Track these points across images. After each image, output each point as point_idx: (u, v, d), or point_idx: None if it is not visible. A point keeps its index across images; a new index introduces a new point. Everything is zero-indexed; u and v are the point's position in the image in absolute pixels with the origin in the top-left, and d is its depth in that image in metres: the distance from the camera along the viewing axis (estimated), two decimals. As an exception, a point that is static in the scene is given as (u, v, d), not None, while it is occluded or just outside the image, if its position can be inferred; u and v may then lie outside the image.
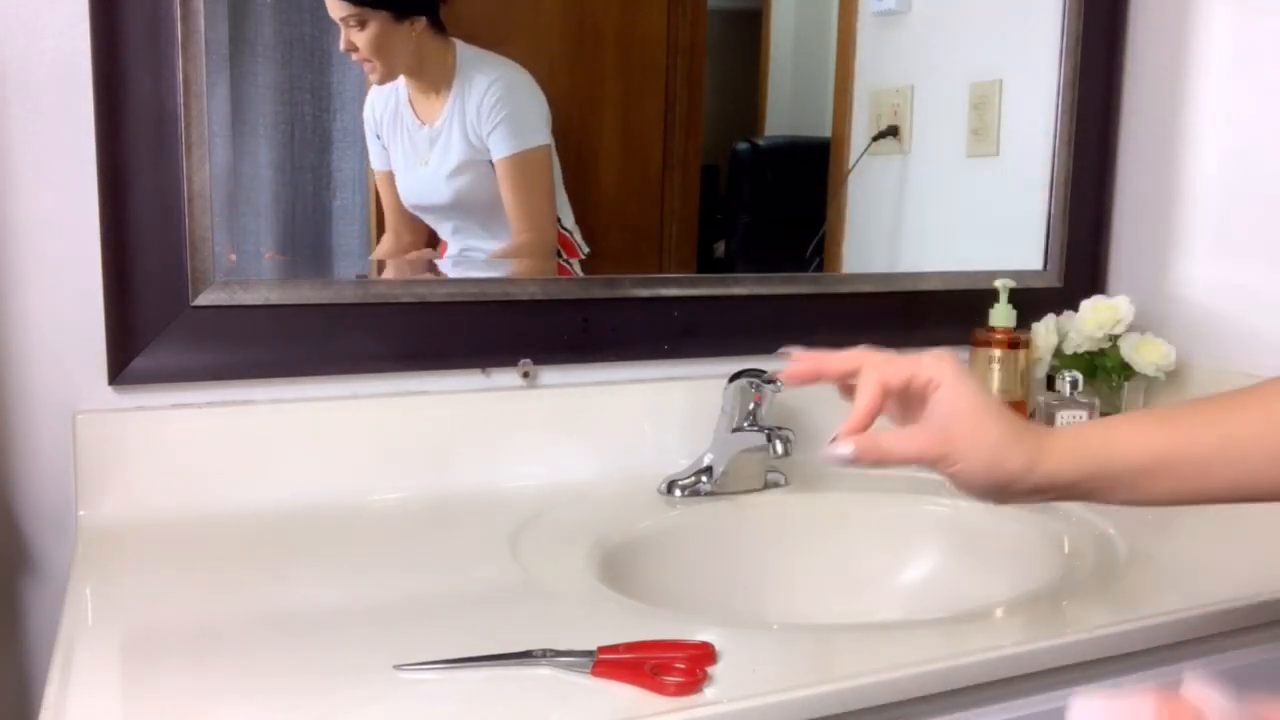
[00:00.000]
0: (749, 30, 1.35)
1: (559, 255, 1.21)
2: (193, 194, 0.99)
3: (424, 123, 1.14)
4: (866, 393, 0.68)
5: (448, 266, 1.18)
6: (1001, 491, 0.69)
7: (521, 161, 1.17)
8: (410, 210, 1.15)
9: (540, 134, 1.18)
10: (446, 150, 1.15)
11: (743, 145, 1.36)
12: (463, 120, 1.15)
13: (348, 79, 1.10)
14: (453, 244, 1.18)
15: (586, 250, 1.22)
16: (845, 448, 0.67)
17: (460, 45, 1.15)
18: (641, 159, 1.25)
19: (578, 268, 1.22)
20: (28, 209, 0.97)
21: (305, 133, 1.08)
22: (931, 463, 0.68)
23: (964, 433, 0.67)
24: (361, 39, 1.08)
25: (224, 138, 1.03)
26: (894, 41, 1.39)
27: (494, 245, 1.19)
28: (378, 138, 1.13)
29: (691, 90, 1.26)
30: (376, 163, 1.13)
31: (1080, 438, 0.70)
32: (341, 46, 1.08)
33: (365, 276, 1.13)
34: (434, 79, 1.15)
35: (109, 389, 1.00)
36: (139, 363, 1.00)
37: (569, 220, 1.21)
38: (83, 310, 0.99)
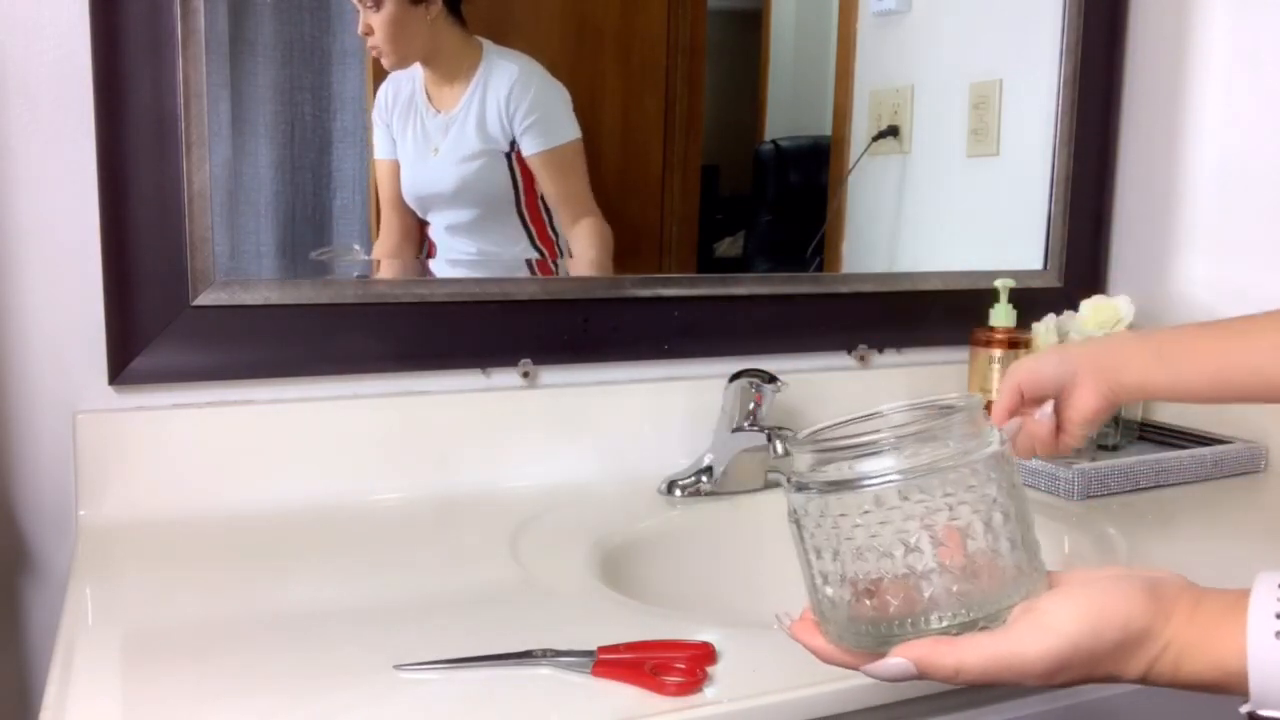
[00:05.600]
0: (749, 30, 1.35)
1: (543, 255, 1.21)
2: (193, 194, 0.99)
3: (439, 110, 1.15)
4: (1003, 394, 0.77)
5: (437, 268, 1.18)
6: None
7: (556, 155, 1.19)
8: (411, 203, 1.16)
9: (571, 129, 1.19)
10: (460, 138, 1.16)
11: (765, 145, 1.36)
12: (481, 111, 1.15)
13: (348, 79, 1.10)
14: (441, 245, 1.18)
15: (570, 254, 1.22)
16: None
17: (486, 42, 1.16)
18: (641, 159, 1.25)
19: (564, 268, 1.22)
20: (28, 209, 0.97)
21: (305, 133, 1.08)
22: None
23: None
24: (377, 20, 1.09)
25: (224, 138, 1.03)
26: (894, 41, 1.39)
27: (485, 249, 1.20)
28: (387, 126, 1.14)
29: (691, 90, 1.26)
30: (380, 151, 1.13)
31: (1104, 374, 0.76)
32: (359, 30, 1.09)
33: (365, 276, 1.13)
34: (452, 69, 1.15)
35: (109, 389, 1.00)
36: (139, 363, 1.00)
37: (559, 222, 1.21)
38: (83, 310, 0.99)
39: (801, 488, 0.52)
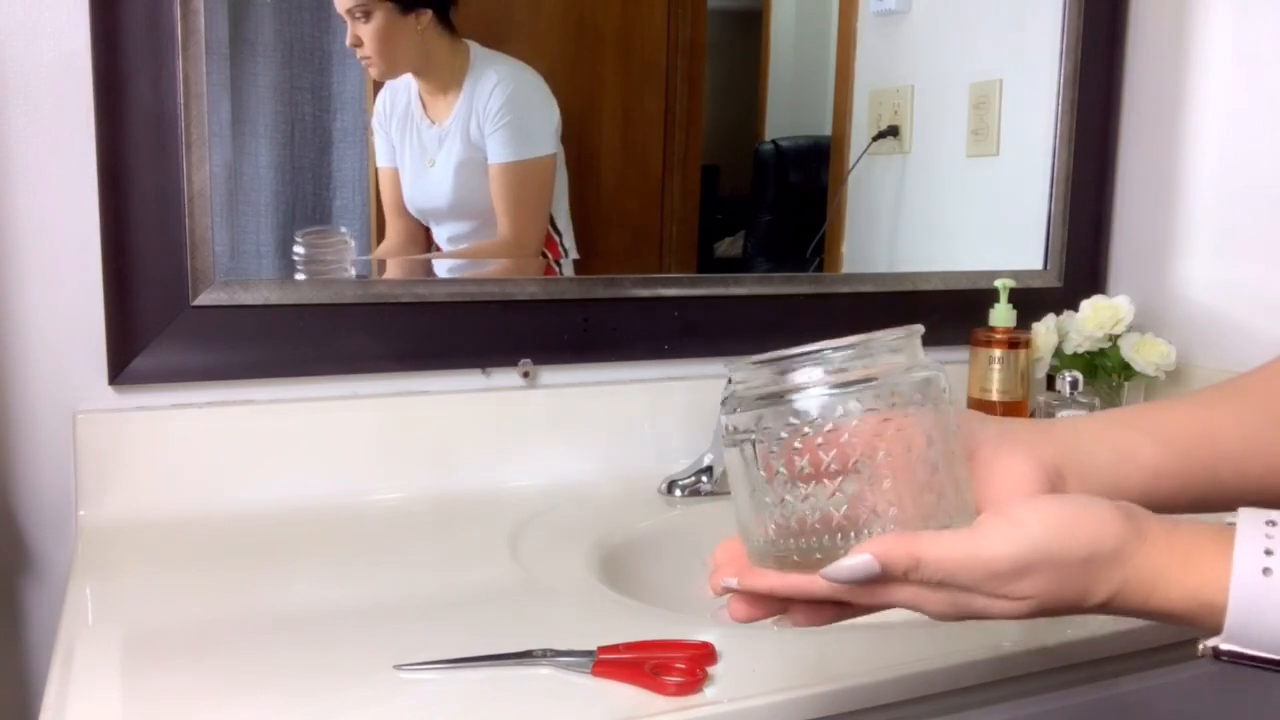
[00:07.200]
0: (749, 30, 1.35)
1: (546, 257, 1.21)
2: (193, 194, 0.99)
3: (434, 122, 1.14)
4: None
5: (442, 270, 1.18)
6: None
7: (518, 170, 1.16)
8: (414, 214, 1.15)
9: (545, 144, 1.17)
10: (451, 149, 1.15)
11: (765, 145, 1.36)
12: (467, 118, 1.14)
13: (348, 79, 1.10)
14: (446, 249, 1.18)
15: (573, 254, 1.21)
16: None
17: (474, 46, 1.15)
18: (641, 159, 1.25)
19: (566, 268, 1.21)
20: (28, 209, 0.97)
21: (305, 133, 1.08)
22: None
23: None
24: (366, 32, 1.08)
25: (224, 138, 1.03)
26: (894, 41, 1.39)
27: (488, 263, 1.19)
28: (387, 134, 1.13)
29: (691, 90, 1.26)
30: (381, 159, 1.13)
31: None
32: (347, 41, 1.08)
33: (365, 276, 1.13)
34: (444, 79, 1.14)
35: (109, 389, 1.00)
36: (139, 363, 1.00)
37: (561, 221, 1.21)
38: (83, 310, 0.99)
39: (736, 407, 0.53)
